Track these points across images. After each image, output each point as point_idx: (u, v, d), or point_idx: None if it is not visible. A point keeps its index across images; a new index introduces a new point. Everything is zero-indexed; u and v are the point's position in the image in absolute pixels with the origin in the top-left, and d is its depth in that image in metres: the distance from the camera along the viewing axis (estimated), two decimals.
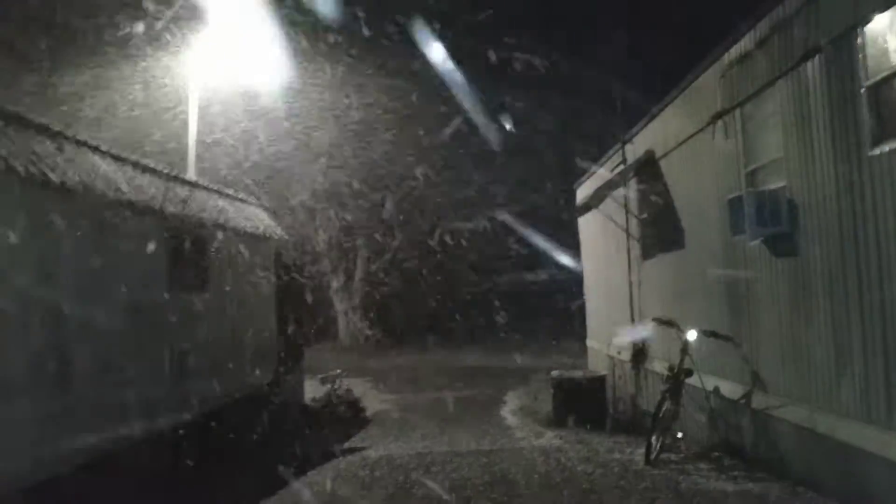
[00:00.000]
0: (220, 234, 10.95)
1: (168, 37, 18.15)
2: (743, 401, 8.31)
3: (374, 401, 14.95)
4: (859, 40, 5.92)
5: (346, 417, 12.64)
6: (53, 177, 6.96)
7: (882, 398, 5.82)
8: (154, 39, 18.53)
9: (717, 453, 8.74)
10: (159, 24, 18.25)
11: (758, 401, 8.01)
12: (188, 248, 9.89)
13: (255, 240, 12.55)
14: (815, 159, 6.76)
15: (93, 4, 18.60)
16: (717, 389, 8.95)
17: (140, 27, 18.44)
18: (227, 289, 11.21)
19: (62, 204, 7.11)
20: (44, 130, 7.56)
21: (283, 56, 20.59)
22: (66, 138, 7.99)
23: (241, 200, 13.57)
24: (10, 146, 6.64)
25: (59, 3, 18.33)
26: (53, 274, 6.94)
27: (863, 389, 6.07)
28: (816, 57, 6.58)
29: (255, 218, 13.52)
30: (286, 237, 15.14)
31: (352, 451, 10.17)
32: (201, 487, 8.08)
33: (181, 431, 9.04)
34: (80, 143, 8.28)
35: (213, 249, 10.68)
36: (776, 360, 7.63)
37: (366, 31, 20.79)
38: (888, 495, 5.76)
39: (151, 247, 8.85)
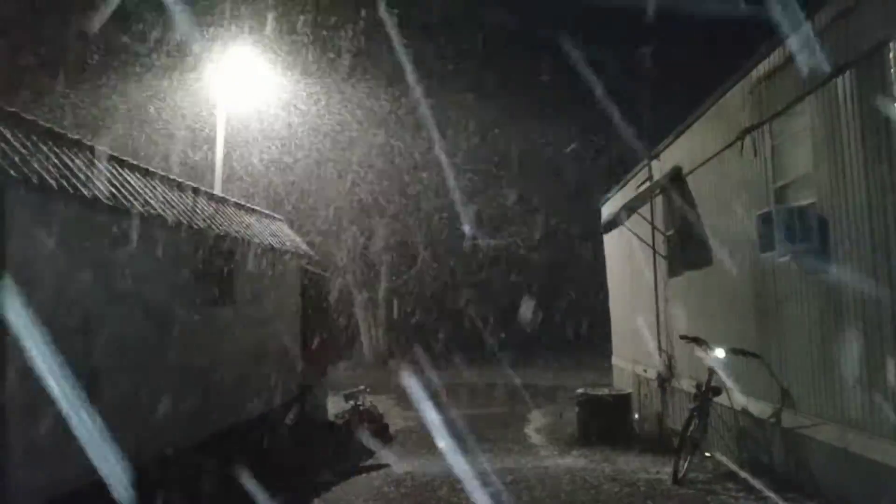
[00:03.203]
0: (245, 250, 11.01)
1: (196, 57, 18.46)
2: (772, 419, 8.19)
3: (397, 417, 14.89)
4: (891, 55, 5.86)
5: (369, 434, 12.60)
6: (85, 191, 7.05)
7: None
8: (183, 60, 18.86)
9: (745, 473, 8.62)
10: (188, 46, 18.58)
11: (788, 419, 7.89)
12: (214, 262, 9.94)
13: (279, 255, 12.60)
14: (845, 175, 6.69)
15: (124, 24, 18.96)
16: (745, 408, 8.83)
17: (170, 48, 18.80)
18: (253, 304, 11.25)
19: (94, 218, 7.20)
20: (75, 145, 7.66)
21: (308, 74, 20.87)
22: (97, 153, 8.08)
23: (267, 216, 13.65)
24: (44, 161, 6.73)
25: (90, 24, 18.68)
26: (84, 286, 7.01)
27: None
28: (847, 72, 6.53)
29: (280, 233, 13.59)
30: (310, 253, 15.20)
31: (376, 467, 10.13)
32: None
33: (205, 447, 9.06)
34: (111, 158, 8.36)
35: (239, 264, 10.74)
36: (807, 378, 7.52)
37: (391, 51, 21.00)
38: None
39: (178, 261, 8.93)
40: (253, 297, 11.27)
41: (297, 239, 14.93)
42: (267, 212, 14.11)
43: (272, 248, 12.17)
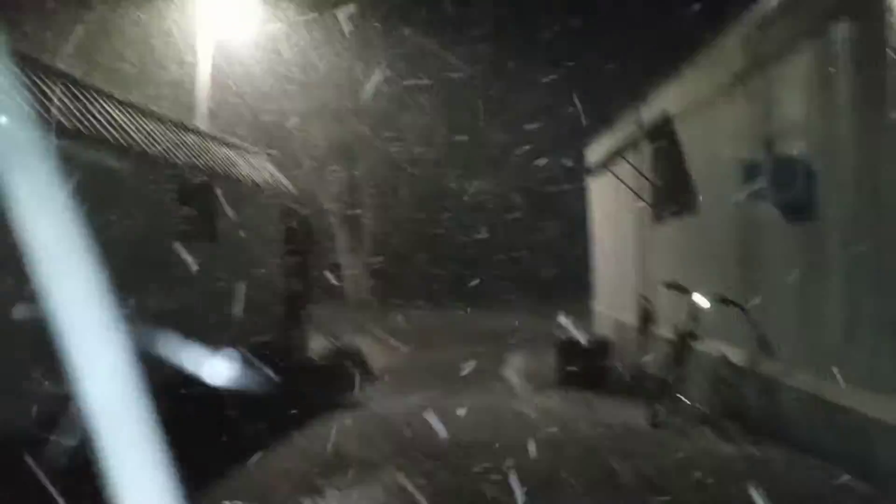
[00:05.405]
0: (226, 184, 10.87)
1: None
2: (750, 367, 8.27)
3: (379, 358, 14.95)
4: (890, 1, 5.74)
5: (350, 374, 12.65)
6: (65, 122, 6.88)
7: (892, 366, 5.78)
8: None
9: (721, 419, 8.72)
10: None
11: (765, 367, 7.96)
12: (194, 196, 9.81)
13: (261, 191, 12.46)
14: (835, 124, 6.62)
15: None
16: (724, 355, 8.90)
17: None
18: (233, 240, 11.15)
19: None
20: (52, 72, 7.46)
21: (295, 7, 20.38)
22: (72, 81, 7.88)
23: (248, 151, 13.45)
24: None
25: None
26: None
27: (873, 357, 6.02)
28: (843, 18, 6.40)
29: (262, 169, 13.42)
30: (293, 191, 15.04)
31: (356, 406, 10.20)
32: (201, 438, 8.10)
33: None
34: (85, 86, 8.16)
35: (219, 199, 10.60)
36: (785, 326, 7.58)
37: None
38: (894, 462, 5.74)
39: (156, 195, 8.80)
40: (232, 233, 11.16)
41: (280, 175, 14.75)
42: (248, 146, 13.89)
43: (253, 184, 12.03)
